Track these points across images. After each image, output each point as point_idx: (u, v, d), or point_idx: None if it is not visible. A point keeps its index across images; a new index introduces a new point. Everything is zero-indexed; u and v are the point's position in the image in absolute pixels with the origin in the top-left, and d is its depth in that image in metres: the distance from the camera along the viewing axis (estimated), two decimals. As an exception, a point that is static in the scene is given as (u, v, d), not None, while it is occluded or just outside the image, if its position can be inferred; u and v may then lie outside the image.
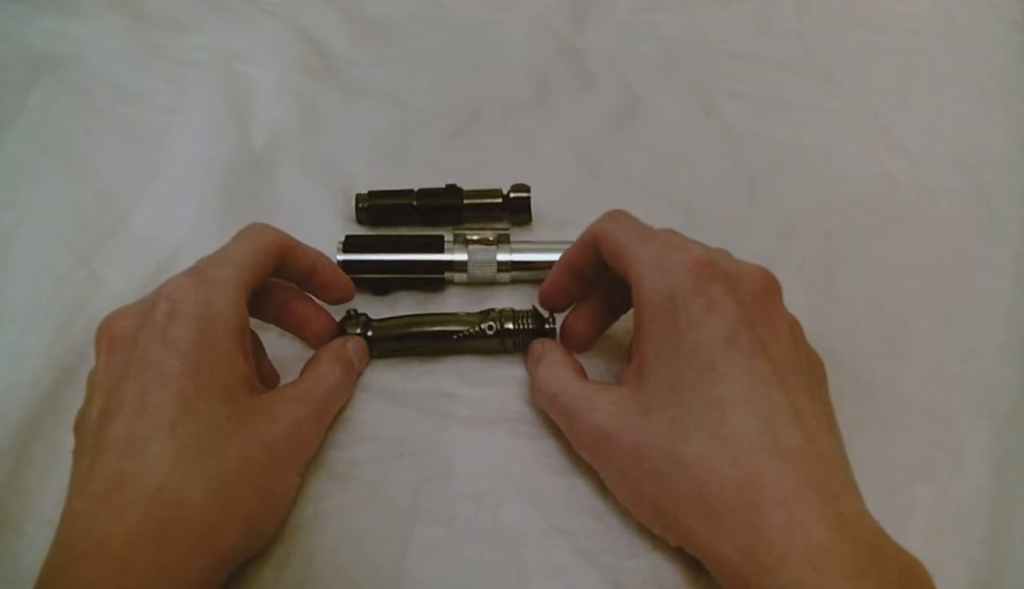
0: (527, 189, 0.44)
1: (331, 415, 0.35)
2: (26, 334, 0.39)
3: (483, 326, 0.38)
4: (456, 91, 0.54)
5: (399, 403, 0.37)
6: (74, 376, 0.37)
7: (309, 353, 0.37)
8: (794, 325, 0.31)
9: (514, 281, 0.42)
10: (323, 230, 0.43)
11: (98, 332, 0.31)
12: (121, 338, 0.30)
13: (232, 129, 0.50)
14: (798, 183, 0.48)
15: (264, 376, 0.36)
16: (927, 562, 0.25)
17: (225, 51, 0.55)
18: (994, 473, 0.35)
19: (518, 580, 0.32)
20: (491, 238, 0.42)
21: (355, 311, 0.39)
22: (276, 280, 0.36)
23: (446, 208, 0.44)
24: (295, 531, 0.32)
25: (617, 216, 0.34)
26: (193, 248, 0.38)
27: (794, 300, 0.32)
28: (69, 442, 0.30)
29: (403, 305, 0.41)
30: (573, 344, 0.38)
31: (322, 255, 0.37)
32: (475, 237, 0.42)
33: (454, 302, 0.42)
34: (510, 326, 0.38)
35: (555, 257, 0.38)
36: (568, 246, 0.36)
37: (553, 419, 0.35)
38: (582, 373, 0.35)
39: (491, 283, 0.42)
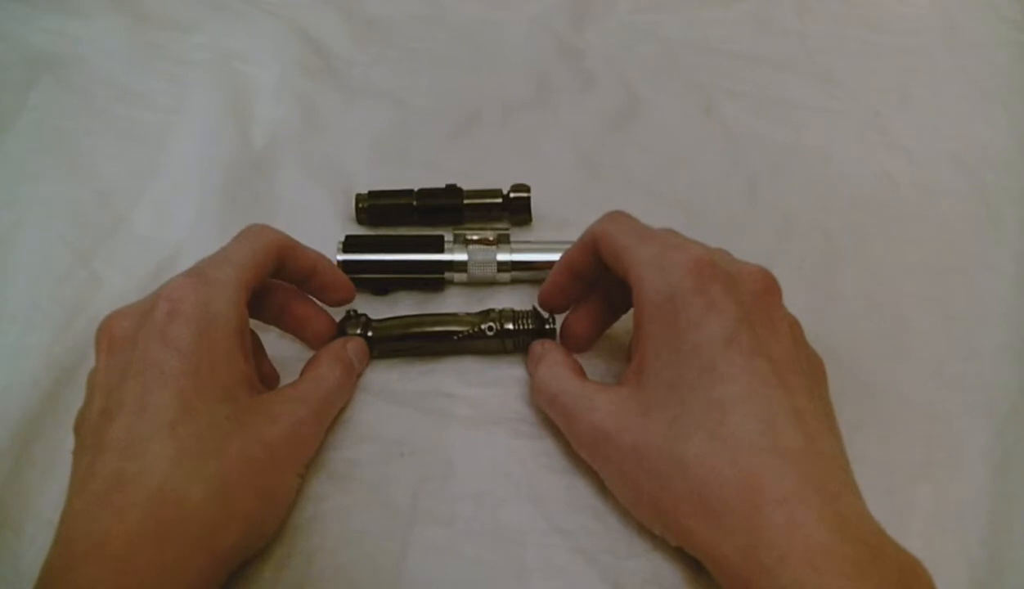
0: (527, 189, 0.44)
1: (331, 416, 0.35)
2: (26, 334, 0.39)
3: (483, 326, 0.38)
4: (456, 91, 0.54)
5: (399, 403, 0.37)
6: (74, 376, 0.37)
7: (309, 353, 0.37)
8: (794, 325, 0.31)
9: (514, 281, 0.42)
10: (323, 230, 0.43)
11: (98, 332, 0.31)
12: (121, 338, 0.30)
13: (232, 129, 0.50)
14: (798, 183, 0.48)
15: (264, 376, 0.36)
16: (927, 562, 0.25)
17: (225, 51, 0.55)
18: (994, 473, 0.35)
19: (518, 580, 0.32)
20: (491, 238, 0.42)
21: (355, 311, 0.39)
22: (276, 281, 0.36)
23: (446, 208, 0.44)
24: (295, 531, 0.32)
25: (617, 217, 0.34)
26: (193, 248, 0.38)
27: (794, 300, 0.32)
28: (69, 442, 0.30)
29: (403, 305, 0.41)
30: (573, 344, 0.38)
31: (322, 256, 0.37)
32: (475, 237, 0.42)
33: (454, 302, 0.42)
34: (510, 326, 0.38)
35: (555, 257, 0.38)
36: (568, 246, 0.36)
37: (553, 419, 0.35)
38: (582, 373, 0.35)
39: (491, 283, 0.42)
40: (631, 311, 0.35)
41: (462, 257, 0.41)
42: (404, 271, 0.41)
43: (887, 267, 0.44)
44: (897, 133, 0.51)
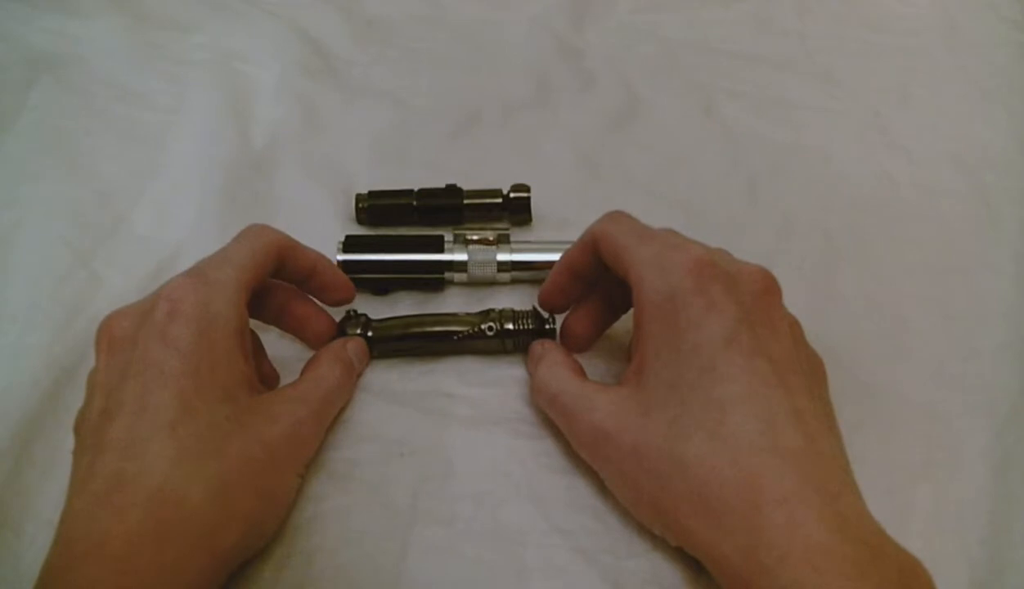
0: (527, 189, 0.44)
1: (331, 416, 0.35)
2: (26, 334, 0.39)
3: (483, 327, 0.38)
4: (456, 91, 0.54)
5: (399, 403, 0.37)
6: (74, 376, 0.37)
7: (309, 353, 0.37)
8: (794, 325, 0.31)
9: (514, 281, 0.42)
10: (323, 230, 0.43)
11: (98, 332, 0.31)
12: (121, 338, 0.30)
13: (232, 129, 0.50)
14: (798, 183, 0.48)
15: (264, 376, 0.36)
16: (927, 562, 0.25)
17: (225, 51, 0.55)
18: (994, 473, 0.35)
19: (518, 580, 0.32)
20: (491, 238, 0.42)
21: (355, 311, 0.39)
22: (276, 281, 0.36)
23: (446, 208, 0.44)
24: (295, 531, 0.32)
25: (617, 217, 0.34)
26: (193, 248, 0.38)
27: (794, 300, 0.32)
28: (69, 442, 0.30)
29: (403, 305, 0.41)
30: (573, 344, 0.38)
31: (322, 256, 0.37)
32: (475, 237, 0.42)
33: (454, 302, 0.42)
34: (510, 326, 0.38)
35: (555, 257, 0.38)
36: (568, 246, 0.36)
37: (553, 419, 0.35)
38: (582, 373, 0.35)
39: (491, 283, 0.42)
40: (631, 311, 0.35)
41: (462, 257, 0.41)
42: (404, 271, 0.41)
43: (887, 267, 0.44)
44: (897, 133, 0.51)
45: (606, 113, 0.52)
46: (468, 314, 0.39)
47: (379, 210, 0.44)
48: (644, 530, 0.32)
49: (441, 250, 0.41)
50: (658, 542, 0.32)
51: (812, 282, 0.43)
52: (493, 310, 0.38)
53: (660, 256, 0.31)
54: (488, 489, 0.34)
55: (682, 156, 0.50)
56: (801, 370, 0.29)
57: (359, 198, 0.45)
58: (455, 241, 0.42)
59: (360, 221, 0.45)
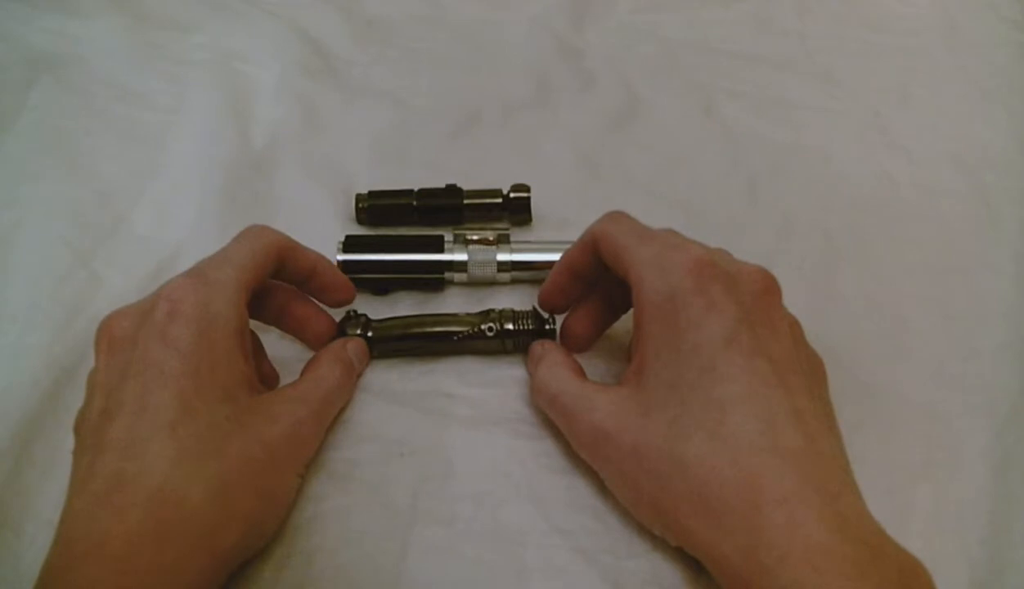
0: (527, 189, 0.44)
1: (331, 416, 0.35)
2: (26, 334, 0.39)
3: (483, 327, 0.38)
4: (456, 91, 0.54)
5: (399, 403, 0.37)
6: (74, 376, 0.37)
7: (309, 354, 0.37)
8: (794, 325, 0.31)
9: (514, 281, 0.42)
10: (323, 230, 0.43)
11: (98, 332, 0.31)
12: (121, 338, 0.30)
13: (232, 129, 0.50)
14: (798, 183, 0.48)
15: (264, 376, 0.36)
16: (927, 562, 0.25)
17: (225, 51, 0.55)
18: (994, 473, 0.35)
19: (518, 580, 0.32)
20: (491, 238, 0.42)
21: (355, 312, 0.39)
22: (276, 282, 0.36)
23: (446, 208, 0.44)
24: (295, 531, 0.32)
25: (616, 217, 0.34)
26: (193, 248, 0.38)
27: (794, 300, 0.32)
28: (69, 442, 0.30)
29: (403, 305, 0.41)
30: (573, 345, 0.38)
31: (322, 257, 0.37)
32: (475, 237, 0.42)
33: (454, 302, 0.42)
34: (510, 327, 0.38)
35: (555, 257, 0.38)
36: (568, 246, 0.36)
37: (553, 419, 0.35)
38: (582, 373, 0.35)
39: (491, 283, 0.42)
40: (631, 311, 0.35)
41: (462, 257, 0.41)
42: (404, 271, 0.41)
43: (887, 267, 0.44)
44: (897, 133, 0.51)
45: (606, 113, 0.52)
46: (468, 314, 0.38)
47: (379, 210, 0.44)
48: (644, 530, 0.32)
49: (441, 250, 0.41)
50: (658, 542, 0.32)
51: (812, 282, 0.43)
52: (493, 310, 0.38)
53: (660, 256, 0.31)
54: (488, 489, 0.34)
55: (682, 156, 0.50)
56: (801, 370, 0.29)
57: (359, 198, 0.45)
58: (455, 241, 0.42)
59: (360, 221, 0.45)
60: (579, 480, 0.34)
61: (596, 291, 0.37)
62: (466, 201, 0.44)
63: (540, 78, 0.54)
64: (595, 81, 0.54)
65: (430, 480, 0.34)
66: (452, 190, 0.44)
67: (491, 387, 0.38)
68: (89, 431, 0.29)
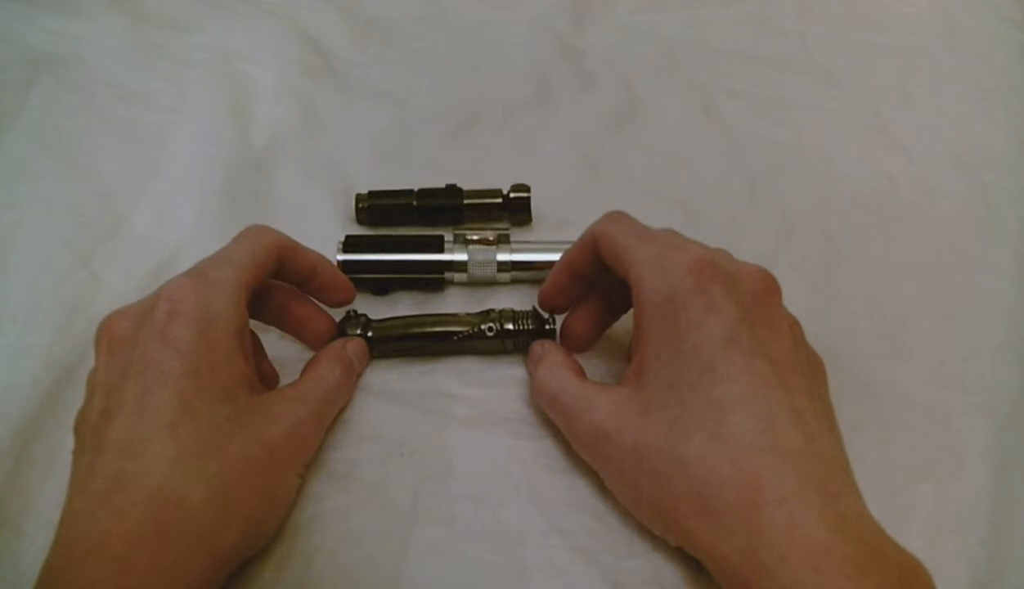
0: (527, 189, 0.44)
1: (331, 416, 0.35)
2: (26, 334, 0.39)
3: (483, 327, 0.38)
4: (456, 91, 0.54)
5: (399, 403, 0.37)
6: (74, 376, 0.37)
7: (309, 354, 0.37)
8: (794, 325, 0.31)
9: (514, 281, 0.42)
10: (323, 230, 0.43)
11: (98, 332, 0.31)
12: (121, 338, 0.30)
13: (232, 129, 0.50)
14: (798, 183, 0.48)
15: (264, 376, 0.36)
16: (927, 562, 0.25)
17: (225, 51, 0.55)
18: (994, 473, 0.35)
19: (518, 580, 0.32)
20: (491, 238, 0.42)
21: (355, 312, 0.39)
22: (276, 282, 0.36)
23: (446, 208, 0.44)
24: (295, 531, 0.32)
25: (616, 217, 0.34)
26: (193, 248, 0.38)
27: (794, 300, 0.32)
28: (69, 442, 0.30)
29: (403, 305, 0.41)
30: (573, 345, 0.38)
31: (322, 257, 0.37)
32: (475, 237, 0.42)
33: (454, 302, 0.42)
34: (510, 327, 0.38)
35: (555, 257, 0.38)
36: (568, 246, 0.36)
37: (553, 419, 0.35)
38: (582, 373, 0.35)
39: (491, 283, 0.42)
40: (631, 311, 0.35)
41: (462, 257, 0.41)
42: (404, 271, 0.41)
43: (887, 267, 0.44)
44: (897, 133, 0.51)
45: (606, 113, 0.52)
46: (468, 314, 0.38)
47: (379, 210, 0.44)
48: (644, 530, 0.32)
49: (441, 250, 0.41)
50: (658, 542, 0.32)
51: (812, 282, 0.43)
52: (493, 310, 0.38)
53: (660, 256, 0.31)
54: (488, 489, 0.34)
55: (682, 156, 0.50)
56: (801, 370, 0.29)
57: (359, 198, 0.45)
58: (455, 241, 0.42)
59: (360, 221, 0.45)
60: (579, 480, 0.34)
61: (596, 291, 0.37)
62: (466, 201, 0.44)
63: (540, 78, 0.54)
64: (595, 81, 0.54)
65: (430, 480, 0.34)
66: (452, 190, 0.44)
67: (491, 387, 0.38)
68: (89, 431, 0.29)
